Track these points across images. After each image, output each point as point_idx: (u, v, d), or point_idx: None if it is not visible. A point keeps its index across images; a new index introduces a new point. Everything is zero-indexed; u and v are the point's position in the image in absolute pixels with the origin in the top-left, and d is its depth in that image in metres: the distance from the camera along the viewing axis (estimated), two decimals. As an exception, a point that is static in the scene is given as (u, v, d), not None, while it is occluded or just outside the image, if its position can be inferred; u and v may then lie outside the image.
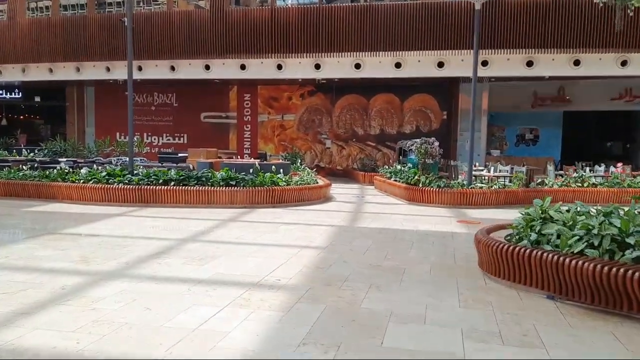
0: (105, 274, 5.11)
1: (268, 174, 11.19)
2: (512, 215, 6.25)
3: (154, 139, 21.62)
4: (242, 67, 17.39)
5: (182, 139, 21.66)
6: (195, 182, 10.70)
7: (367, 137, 20.11)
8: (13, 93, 22.72)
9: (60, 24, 18.05)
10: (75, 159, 15.05)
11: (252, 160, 14.51)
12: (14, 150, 18.78)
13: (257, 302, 4.31)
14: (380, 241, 7.23)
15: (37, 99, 22.89)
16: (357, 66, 16.69)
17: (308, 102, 20.50)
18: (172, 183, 10.60)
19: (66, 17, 18.26)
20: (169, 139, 21.71)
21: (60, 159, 14.86)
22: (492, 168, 13.52)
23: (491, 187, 11.60)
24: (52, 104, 23.13)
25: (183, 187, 10.51)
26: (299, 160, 17.21)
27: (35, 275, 5.00)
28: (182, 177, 10.75)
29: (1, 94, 22.75)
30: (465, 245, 6.93)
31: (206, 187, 10.56)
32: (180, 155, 15.81)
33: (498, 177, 12.83)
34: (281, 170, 11.75)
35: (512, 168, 13.23)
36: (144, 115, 21.49)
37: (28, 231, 7.61)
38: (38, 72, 18.93)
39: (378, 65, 16.64)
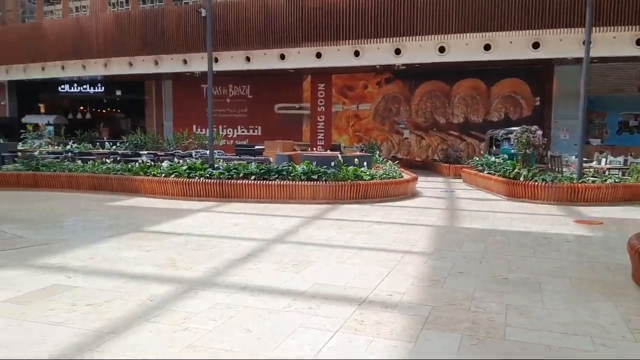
0: (195, 282, 4.59)
1: (351, 168, 10.45)
2: (638, 214, 5.08)
3: (229, 131, 21.56)
4: (318, 55, 16.74)
5: (256, 130, 21.45)
6: (276, 176, 10.17)
7: (449, 126, 18.85)
8: (96, 87, 23.52)
9: (139, 17, 18.25)
10: (155, 152, 15.10)
11: (332, 152, 13.84)
12: (98, 143, 19.34)
13: (373, 325, 3.57)
14: (494, 246, 6.27)
15: (118, 92, 23.54)
16: (441, 50, 15.52)
17: (385, 90, 19.54)
18: (253, 177, 10.13)
19: (145, 10, 18.44)
20: (243, 131, 21.58)
21: (141, 152, 14.97)
22: (603, 159, 11.98)
23: (605, 181, 10.17)
24: (132, 98, 23.72)
25: (264, 182, 10.02)
26: (377, 152, 16.35)
27: (121, 282, 4.56)
28: (262, 171, 10.26)
29: (85, 89, 23.61)
30: (601, 252, 5.84)
31: (287, 182, 10.00)
32: (257, 147, 15.46)
33: (610, 169, 11.32)
34: (364, 163, 10.97)
35: (625, 159, 11.64)
36: (219, 108, 21.45)
37: (112, 228, 7.35)
38: (119, 66, 19.32)
39: (465, 48, 15.38)
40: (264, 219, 8.19)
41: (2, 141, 16.45)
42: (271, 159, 12.63)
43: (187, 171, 10.46)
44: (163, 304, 4.00)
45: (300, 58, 17.04)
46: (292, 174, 10.12)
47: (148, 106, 22.97)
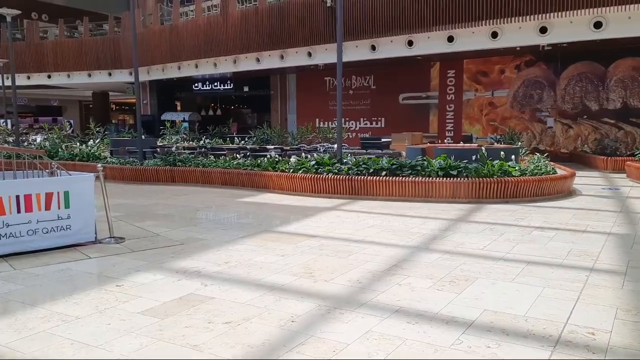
0: (338, 299, 3.96)
1: (497, 162, 9.22)
2: None
3: (352, 124, 21.05)
4: (450, 39, 15.43)
5: (379, 122, 20.68)
6: (409, 171, 9.31)
7: (603, 113, 16.37)
8: (226, 85, 24.47)
9: (266, 12, 18.40)
10: (281, 146, 15.05)
11: (472, 145, 12.58)
12: (228, 139, 20.01)
13: (587, 384, 2.62)
14: None
15: (246, 89, 24.25)
16: (597, 25, 13.34)
17: (525, 75, 17.55)
18: (384, 173, 9.39)
19: (271, 5, 18.55)
20: (366, 124, 20.94)
21: (268, 147, 15.02)
22: None
23: None
24: (258, 93, 24.30)
25: (395, 178, 9.23)
26: (519, 143, 14.64)
27: (258, 294, 4.09)
28: (394, 166, 9.46)
29: (216, 86, 24.69)
30: None
31: (422, 178, 9.10)
32: (383, 140, 14.70)
33: None
34: (512, 157, 9.64)
35: None
36: (342, 100, 21.01)
37: (244, 228, 7.09)
38: (247, 63, 19.74)
39: (626, 22, 13.06)
40: (400, 220, 7.41)
41: (145, 137, 17.62)
42: (403, 153, 11.78)
43: (315, 166, 10.04)
44: (306, 327, 3.41)
45: (429, 43, 15.87)
46: (427, 170, 9.19)
47: (273, 101, 23.35)
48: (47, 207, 5.49)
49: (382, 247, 5.70)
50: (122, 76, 24.53)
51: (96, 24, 26.25)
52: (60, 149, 14.92)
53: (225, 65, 20.46)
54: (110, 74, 24.85)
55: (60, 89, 30.56)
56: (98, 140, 18.40)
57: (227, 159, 12.20)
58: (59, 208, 5.57)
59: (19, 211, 5.28)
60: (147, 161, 12.73)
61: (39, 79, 25.90)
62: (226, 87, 24.63)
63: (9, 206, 5.22)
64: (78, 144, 17.60)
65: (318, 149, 14.23)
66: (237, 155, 12.33)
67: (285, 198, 9.73)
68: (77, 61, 24.89)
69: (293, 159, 10.65)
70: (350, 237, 6.26)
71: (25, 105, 40.10)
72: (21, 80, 25.40)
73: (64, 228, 5.62)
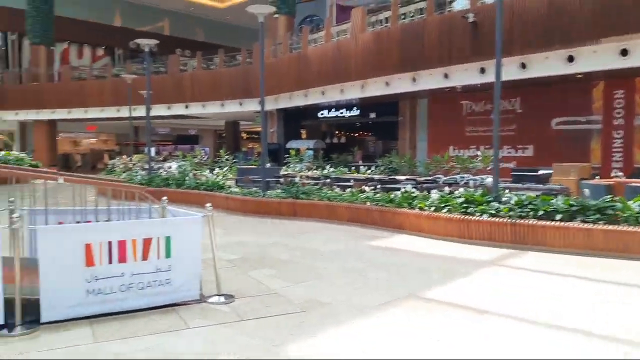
0: None
1: None
2: None
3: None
4: (624, 52, 12.63)
5: (526, 151, 17.98)
6: (596, 215, 7.04)
7: None
8: (351, 111, 23.49)
9: (398, 33, 17.07)
10: (414, 178, 13.34)
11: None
12: (352, 167, 18.82)
13: None
14: None
15: (372, 115, 23.04)
16: None
17: None
18: (559, 216, 7.22)
19: (404, 25, 17.20)
20: (509, 152, 18.34)
21: (398, 177, 13.40)
22: None
23: None
24: (384, 120, 22.93)
25: (577, 224, 7.02)
26: None
27: None
28: (573, 208, 7.26)
29: (342, 113, 23.82)
30: None
31: (617, 226, 6.79)
32: (541, 172, 12.25)
33: None
34: None
35: None
36: (480, 126, 18.75)
37: (380, 286, 5.52)
38: (375, 87, 18.50)
39: None
40: (608, 288, 5.28)
41: (269, 166, 17.11)
42: (571, 188, 9.41)
43: (464, 205, 8.17)
44: None
45: (595, 58, 13.18)
46: (626, 215, 6.85)
47: (401, 127, 21.77)
48: (144, 257, 4.45)
49: (612, 349, 3.72)
50: (251, 105, 24.82)
51: (230, 55, 27.16)
52: (187, 178, 14.80)
53: (352, 91, 19.44)
54: (241, 104, 25.31)
55: (197, 119, 32.21)
56: (226, 169, 18.33)
57: (354, 191, 10.81)
58: (158, 258, 4.51)
59: (110, 261, 4.29)
60: (269, 192, 11.85)
61: (178, 109, 27.30)
62: (351, 114, 23.65)
63: (99, 255, 4.24)
64: (207, 171, 17.64)
65: (457, 181, 12.26)
66: (366, 188, 10.89)
67: (425, 243, 7.98)
68: (211, 91, 25.82)
69: (434, 195, 8.88)
70: (540, 320, 4.35)
71: (167, 134, 43.52)
72: (162, 110, 27.04)
73: (163, 283, 4.54)
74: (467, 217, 7.91)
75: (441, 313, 4.49)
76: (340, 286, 5.46)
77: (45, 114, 29.97)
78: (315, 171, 17.94)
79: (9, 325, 3.97)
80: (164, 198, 5.42)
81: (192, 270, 4.71)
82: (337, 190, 11.39)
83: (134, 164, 21.38)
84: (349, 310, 4.58)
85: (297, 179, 13.03)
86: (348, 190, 11.05)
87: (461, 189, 9.10)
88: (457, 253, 7.20)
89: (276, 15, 24.88)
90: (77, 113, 29.40)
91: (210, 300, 4.80)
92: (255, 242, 8.21)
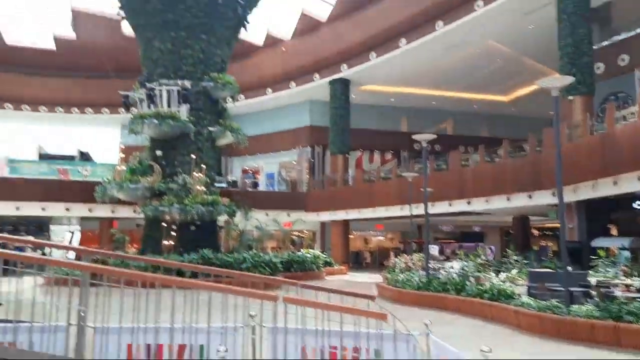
0: None
1: None
2: None
3: None
4: None
5: None
6: None
7: None
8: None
9: None
10: None
11: None
12: None
13: None
14: None
15: None
16: None
17: None
18: None
19: None
20: None
21: None
22: None
23: None
24: None
25: None
26: None
27: None
28: None
29: None
30: None
31: None
32: None
33: None
34: None
35: None
36: None
37: None
38: None
39: None
40: None
41: (570, 270, 13.82)
42: None
43: None
44: None
45: None
46: None
47: None
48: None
49: None
50: (543, 198, 21.82)
51: (515, 146, 25.14)
52: (467, 282, 13.02)
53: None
54: (530, 196, 22.58)
55: (480, 215, 30.48)
56: (514, 271, 15.80)
57: None
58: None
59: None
60: (575, 306, 9.06)
61: (460, 205, 26.24)
62: None
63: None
64: (493, 274, 15.49)
65: None
66: None
67: None
68: (495, 185, 24.07)
69: None
70: None
71: (450, 232, 42.58)
72: (444, 207, 26.37)
73: None
74: None
75: None
76: None
77: (340, 215, 33.16)
78: (636, 278, 13.69)
79: None
80: (427, 322, 3.99)
81: None
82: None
83: (413, 263, 20.75)
84: None
85: (617, 292, 9.77)
86: None
87: None
88: None
89: (570, 98, 21.95)
90: (366, 213, 31.50)
91: None
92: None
